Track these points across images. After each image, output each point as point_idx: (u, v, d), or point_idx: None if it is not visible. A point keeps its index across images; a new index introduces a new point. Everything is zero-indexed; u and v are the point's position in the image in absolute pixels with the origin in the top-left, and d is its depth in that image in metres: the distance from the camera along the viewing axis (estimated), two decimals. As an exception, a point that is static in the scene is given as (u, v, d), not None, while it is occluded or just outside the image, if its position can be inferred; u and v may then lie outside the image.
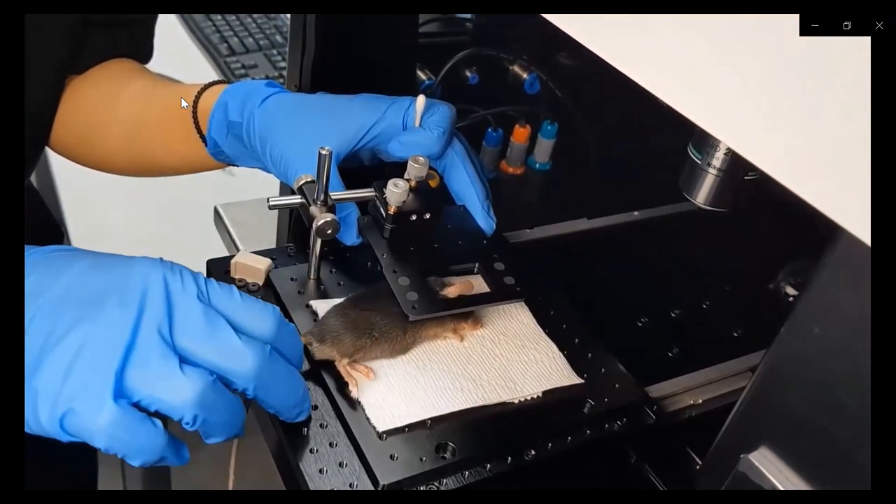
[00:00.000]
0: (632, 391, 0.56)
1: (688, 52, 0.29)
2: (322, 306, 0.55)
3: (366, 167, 0.63)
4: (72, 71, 0.71)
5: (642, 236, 0.79)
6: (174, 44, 1.32)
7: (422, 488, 0.48)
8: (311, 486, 0.47)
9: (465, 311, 0.55)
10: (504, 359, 0.55)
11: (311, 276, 0.59)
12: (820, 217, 0.26)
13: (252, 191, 0.83)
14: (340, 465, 0.48)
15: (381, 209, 0.57)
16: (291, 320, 0.55)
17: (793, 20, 0.25)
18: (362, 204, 0.59)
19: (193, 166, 0.71)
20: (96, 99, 0.71)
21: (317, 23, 0.64)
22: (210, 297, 0.44)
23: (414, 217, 0.57)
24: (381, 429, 0.49)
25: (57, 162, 1.05)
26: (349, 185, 0.57)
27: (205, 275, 0.45)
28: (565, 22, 0.33)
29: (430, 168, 0.59)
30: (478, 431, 0.51)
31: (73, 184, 1.06)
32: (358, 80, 0.66)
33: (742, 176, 0.59)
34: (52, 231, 0.88)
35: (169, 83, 0.72)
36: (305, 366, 0.52)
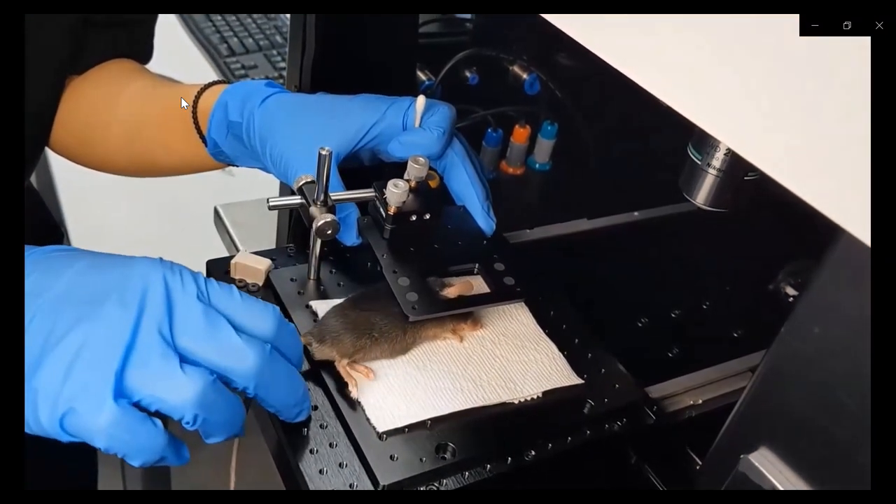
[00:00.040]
0: (632, 391, 0.56)
1: (688, 52, 0.29)
2: (322, 307, 0.55)
3: (366, 167, 0.63)
4: (72, 71, 0.71)
5: (642, 236, 0.79)
6: (174, 44, 1.32)
7: (422, 489, 0.48)
8: (311, 487, 0.47)
9: (465, 311, 0.55)
10: (504, 359, 0.55)
11: (311, 277, 0.59)
12: (820, 217, 0.26)
13: (252, 191, 0.83)
14: (340, 465, 0.48)
15: (381, 210, 0.57)
16: (291, 321, 0.55)
17: (793, 20, 0.25)
18: (362, 204, 0.59)
19: (193, 166, 0.71)
20: (96, 99, 0.71)
21: (317, 23, 0.64)
22: (210, 296, 0.44)
23: (414, 217, 0.57)
24: (381, 429, 0.49)
25: (57, 162, 1.05)
26: (349, 186, 0.57)
27: (205, 275, 0.45)
28: (565, 22, 0.33)
29: (430, 168, 0.59)
30: (478, 432, 0.51)
31: (73, 184, 1.06)
32: (358, 81, 0.66)
33: (742, 176, 0.59)
34: (52, 231, 0.88)
35: (169, 83, 0.72)
36: (305, 366, 0.52)
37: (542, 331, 0.59)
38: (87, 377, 0.39)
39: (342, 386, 0.51)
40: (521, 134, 0.84)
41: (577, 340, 0.59)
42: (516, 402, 0.53)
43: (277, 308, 0.46)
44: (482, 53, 0.84)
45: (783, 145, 0.27)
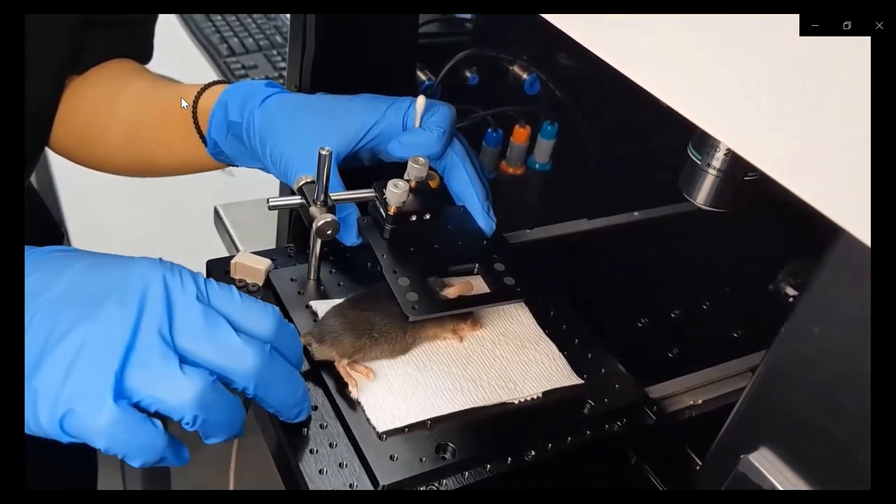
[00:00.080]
0: (632, 391, 0.56)
1: (688, 52, 0.29)
2: (322, 307, 0.55)
3: (366, 167, 0.63)
4: (72, 71, 0.71)
5: (642, 236, 0.79)
6: (174, 44, 1.32)
7: (422, 489, 0.48)
8: (311, 487, 0.47)
9: (465, 311, 0.55)
10: (504, 359, 0.55)
11: (311, 277, 0.59)
12: (820, 217, 0.26)
13: (252, 191, 0.83)
14: (340, 465, 0.48)
15: (381, 210, 0.57)
16: (291, 321, 0.55)
17: (793, 20, 0.25)
18: (362, 204, 0.59)
19: (193, 166, 0.71)
20: (96, 99, 0.71)
21: (317, 23, 0.64)
22: (209, 297, 0.44)
23: (414, 218, 0.57)
24: (380, 429, 0.49)
25: (57, 162, 1.05)
26: (349, 186, 0.57)
27: (205, 275, 0.45)
28: (565, 22, 0.33)
29: (430, 169, 0.59)
30: (478, 432, 0.51)
31: (73, 184, 1.06)
32: (358, 81, 0.66)
33: (742, 176, 0.59)
34: (52, 231, 0.88)
35: (169, 83, 0.72)
36: (305, 366, 0.52)
37: (542, 331, 0.59)
38: (86, 377, 0.39)
39: (342, 386, 0.51)
40: (521, 134, 0.84)
41: (577, 340, 0.59)
42: (516, 402, 0.53)
43: (277, 308, 0.46)
44: (482, 53, 0.84)
45: (783, 145, 0.27)
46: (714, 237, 0.77)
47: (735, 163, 0.58)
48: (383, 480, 0.46)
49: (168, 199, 1.03)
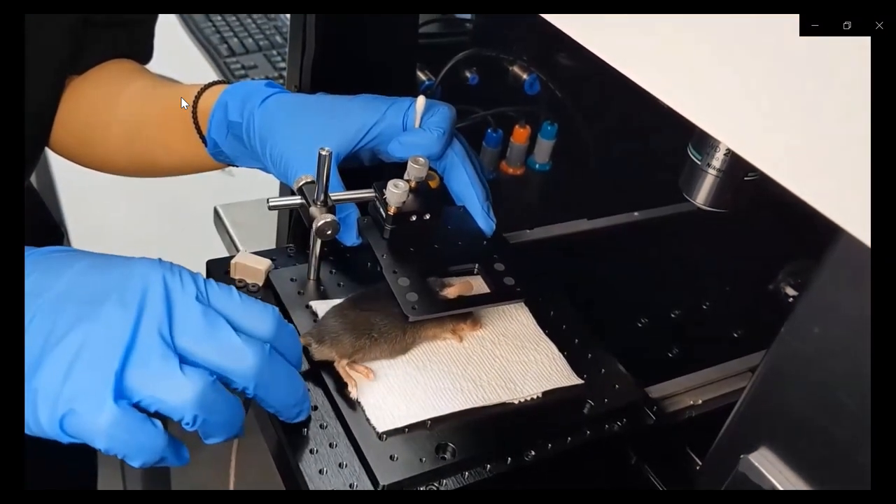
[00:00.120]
0: (632, 391, 0.56)
1: (688, 52, 0.29)
2: (322, 307, 0.55)
3: (366, 167, 0.63)
4: (72, 71, 0.71)
5: (642, 236, 0.79)
6: (174, 44, 1.32)
7: (422, 489, 0.48)
8: (311, 487, 0.47)
9: (465, 311, 0.55)
10: (504, 359, 0.55)
11: (311, 277, 0.59)
12: (820, 217, 0.26)
13: (252, 191, 0.83)
14: (340, 465, 0.48)
15: (381, 210, 0.57)
16: (291, 321, 0.55)
17: (793, 20, 0.25)
18: (362, 204, 0.59)
19: (193, 166, 0.71)
20: (96, 99, 0.71)
21: (317, 23, 0.64)
22: (209, 297, 0.44)
23: (414, 218, 0.57)
24: (380, 429, 0.49)
25: (57, 162, 1.05)
26: (349, 186, 0.57)
27: (204, 275, 0.45)
28: (565, 22, 0.33)
29: (430, 169, 0.59)
30: (478, 432, 0.51)
31: (73, 184, 1.06)
32: (358, 81, 0.66)
33: (742, 176, 0.59)
34: (52, 231, 0.88)
35: (169, 83, 0.72)
36: (305, 366, 0.52)
37: (541, 331, 0.59)
38: (86, 378, 0.39)
39: (342, 386, 0.51)
40: (521, 134, 0.84)
41: (577, 340, 0.59)
42: (516, 402, 0.53)
43: (277, 308, 0.46)
44: (482, 53, 0.84)
45: (783, 145, 0.27)
46: (714, 237, 0.77)
47: (735, 163, 0.58)
48: (383, 480, 0.46)
49: (168, 199, 1.03)
